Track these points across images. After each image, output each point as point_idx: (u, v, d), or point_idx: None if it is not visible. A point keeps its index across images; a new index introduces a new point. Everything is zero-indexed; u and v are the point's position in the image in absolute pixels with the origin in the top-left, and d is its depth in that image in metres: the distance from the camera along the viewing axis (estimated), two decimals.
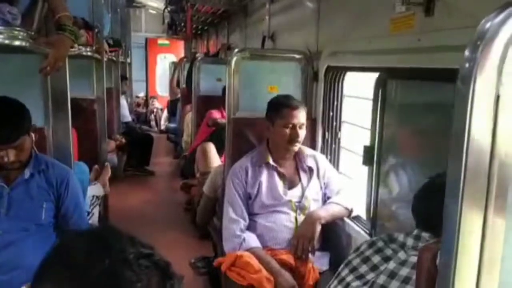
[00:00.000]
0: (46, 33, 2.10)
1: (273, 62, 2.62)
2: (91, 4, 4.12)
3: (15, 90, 1.98)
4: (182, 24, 6.36)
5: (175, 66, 8.11)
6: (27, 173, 1.89)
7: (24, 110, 1.84)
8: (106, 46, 4.51)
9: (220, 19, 5.83)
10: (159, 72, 11.92)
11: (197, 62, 4.56)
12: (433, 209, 0.83)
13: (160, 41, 11.66)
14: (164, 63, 11.59)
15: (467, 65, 0.62)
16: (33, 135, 1.92)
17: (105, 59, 4.40)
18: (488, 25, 0.61)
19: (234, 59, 2.49)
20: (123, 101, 6.69)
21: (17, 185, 1.88)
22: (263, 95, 2.54)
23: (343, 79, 2.40)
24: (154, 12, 11.55)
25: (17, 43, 1.66)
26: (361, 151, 2.08)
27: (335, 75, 2.41)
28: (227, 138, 2.53)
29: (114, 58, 5.63)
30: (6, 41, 1.62)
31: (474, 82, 0.61)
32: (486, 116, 0.63)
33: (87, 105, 4.07)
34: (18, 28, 1.67)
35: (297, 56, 2.60)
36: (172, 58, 11.10)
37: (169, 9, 5.78)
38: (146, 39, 11.78)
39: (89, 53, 3.69)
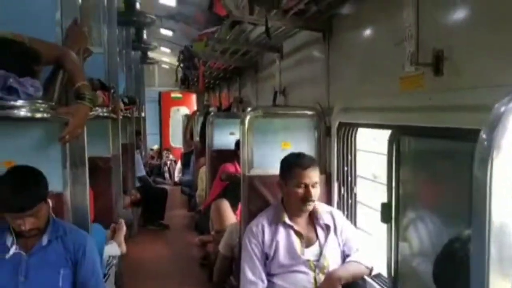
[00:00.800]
0: (66, 101, 2.17)
1: (286, 119, 2.66)
2: (107, 65, 4.27)
3: (34, 157, 2.03)
4: (195, 79, 6.53)
5: (188, 118, 8.26)
6: (44, 240, 1.90)
7: (41, 177, 1.88)
8: (121, 105, 4.63)
9: (231, 74, 5.98)
10: (172, 124, 12.11)
11: (210, 118, 4.64)
12: (454, 277, 0.82)
13: (173, 95, 11.94)
14: (177, 115, 11.80)
15: (483, 148, 0.63)
16: (50, 201, 1.94)
17: (120, 117, 4.50)
18: (502, 109, 0.63)
19: (248, 117, 2.54)
20: (138, 156, 6.77)
21: (35, 252, 1.89)
22: (277, 152, 2.57)
23: (355, 135, 2.42)
24: (167, 66, 11.91)
25: (38, 115, 1.72)
26: (379, 205, 2.07)
27: (348, 130, 2.44)
28: (242, 196, 2.53)
29: (129, 115, 5.77)
30: (29, 114, 1.68)
31: (491, 165, 0.62)
32: (505, 196, 0.63)
33: (103, 164, 4.11)
34: (39, 101, 1.73)
35: (309, 113, 2.64)
36: (185, 110, 11.32)
37: (181, 65, 5.96)
38: (160, 93, 12.08)
39: (105, 114, 3.78)
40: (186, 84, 6.87)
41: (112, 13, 4.20)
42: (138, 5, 5.18)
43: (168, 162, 10.87)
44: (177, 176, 9.78)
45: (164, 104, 12.17)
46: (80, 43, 2.19)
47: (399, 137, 1.90)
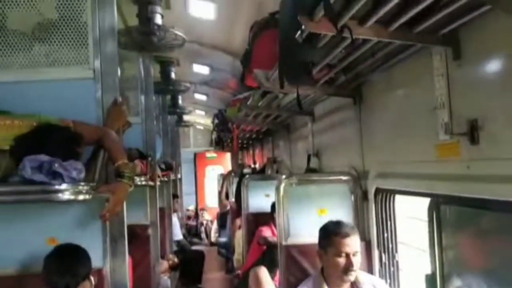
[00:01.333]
0: (106, 177, 2.24)
1: (321, 185, 2.65)
2: (145, 134, 4.42)
3: (76, 233, 2.09)
4: (229, 141, 6.66)
5: (223, 178, 8.33)
6: None
7: (86, 256, 1.92)
8: (158, 171, 4.74)
9: (264, 134, 6.07)
10: (208, 184, 12.24)
11: (245, 180, 4.67)
12: None
13: (208, 154, 12.15)
14: (212, 175, 11.93)
15: None
16: (92, 278, 1.97)
17: (158, 183, 4.59)
18: None
19: (282, 185, 2.54)
20: (175, 219, 6.82)
21: None
22: (314, 219, 2.55)
23: (393, 200, 2.37)
24: (201, 127, 12.21)
25: (81, 197, 1.78)
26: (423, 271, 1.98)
27: (385, 196, 2.39)
28: (280, 266, 2.50)
29: (166, 179, 5.88)
30: (72, 197, 1.75)
31: None
32: None
33: (141, 231, 4.15)
34: (82, 183, 1.80)
35: (344, 178, 2.62)
36: (220, 169, 11.45)
37: (216, 129, 6.12)
38: (195, 154, 12.32)
39: (143, 182, 3.87)
40: (220, 145, 7.01)
41: (149, 83, 4.40)
42: (173, 75, 5.42)
43: (205, 222, 10.88)
44: (213, 236, 9.75)
45: (199, 164, 12.37)
46: (120, 121, 2.29)
47: (439, 206, 1.85)
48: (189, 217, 11.33)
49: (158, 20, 3.35)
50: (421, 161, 1.96)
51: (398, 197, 2.37)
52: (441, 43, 1.65)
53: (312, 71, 1.88)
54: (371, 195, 2.47)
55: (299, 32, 1.59)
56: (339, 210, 2.56)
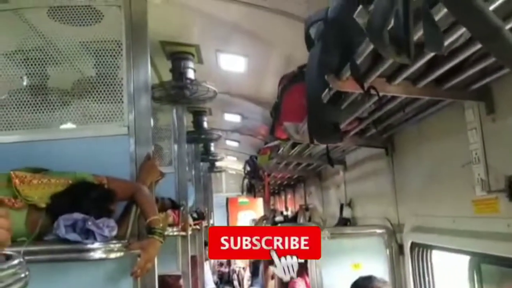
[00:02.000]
0: (138, 231, 2.26)
1: (354, 239, 2.58)
2: (177, 183, 4.47)
3: None
4: (260, 187, 6.63)
5: (255, 224, 8.23)
6: None
7: None
8: (190, 220, 4.74)
9: (296, 181, 6.02)
10: None
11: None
12: None
13: (240, 200, 12.12)
14: (244, 220, 11.85)
15: None
16: None
17: (189, 232, 4.58)
18: None
19: None
20: (207, 267, 6.74)
21: None
22: (347, 273, 2.46)
23: (431, 256, 2.27)
24: (233, 172, 12.26)
25: (112, 256, 1.80)
26: None
27: (422, 251, 2.30)
28: None
29: (198, 227, 5.86)
30: (103, 255, 1.76)
31: None
32: None
33: (173, 282, 4.13)
34: (114, 241, 1.82)
35: (378, 231, 2.55)
36: (252, 215, 11.36)
37: (247, 176, 6.14)
38: (227, 199, 12.32)
39: (175, 233, 3.88)
40: (252, 192, 7.01)
41: (182, 133, 4.48)
42: (205, 124, 5.53)
43: (237, 269, 10.70)
44: (246, 284, 9.54)
45: (231, 209, 12.34)
46: (152, 176, 2.32)
47: (479, 265, 1.75)
48: (221, 264, 11.18)
49: (191, 74, 3.46)
50: (458, 216, 1.89)
51: (436, 251, 2.27)
52: (473, 98, 1.63)
53: (340, 128, 1.88)
54: (407, 250, 2.38)
55: (326, 91, 1.60)
56: (374, 265, 2.47)
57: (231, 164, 10.91)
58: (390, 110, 2.02)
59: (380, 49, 0.97)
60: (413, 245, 2.32)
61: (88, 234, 1.76)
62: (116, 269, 2.28)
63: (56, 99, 2.28)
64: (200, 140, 5.49)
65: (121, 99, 2.28)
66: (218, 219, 11.46)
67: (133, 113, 2.27)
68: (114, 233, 1.87)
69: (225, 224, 12.22)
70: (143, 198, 2.11)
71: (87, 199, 1.87)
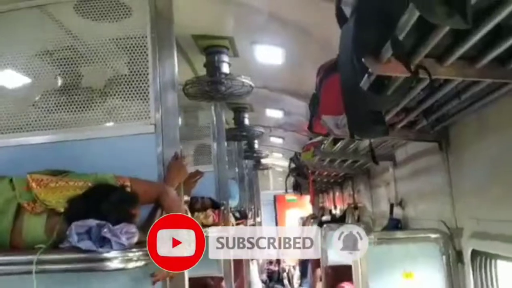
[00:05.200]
0: None
1: (405, 244, 2.30)
2: (217, 182, 4.34)
3: None
4: (306, 184, 6.40)
5: (303, 223, 8.01)
6: None
7: None
8: (232, 220, 4.59)
9: (343, 179, 5.74)
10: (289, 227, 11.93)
11: (323, 230, 4.34)
12: None
13: (288, 197, 11.90)
14: (293, 217, 11.65)
15: None
16: None
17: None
18: None
19: None
20: (253, 267, 6.59)
21: None
22: (399, 283, 2.19)
23: (495, 266, 1.95)
24: (280, 169, 12.06)
25: (131, 265, 1.65)
26: None
27: (485, 260, 1.99)
28: None
29: (243, 226, 5.71)
30: (121, 265, 1.61)
31: None
32: None
33: (215, 284, 4.00)
34: (134, 250, 1.66)
35: (433, 236, 2.25)
36: (300, 213, 11.12)
37: (294, 174, 5.92)
38: (274, 196, 12.14)
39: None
40: (298, 190, 6.78)
41: (220, 131, 4.36)
42: (247, 120, 5.37)
43: (287, 268, 10.51)
44: (296, 283, 9.34)
45: (279, 206, 12.16)
46: (180, 177, 2.17)
47: None
48: (270, 262, 11.04)
49: (226, 69, 3.29)
50: None
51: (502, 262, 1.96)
52: None
53: (385, 120, 1.62)
54: (467, 258, 2.07)
55: (365, 77, 1.35)
56: (428, 273, 2.19)
57: (277, 161, 10.72)
58: (442, 97, 1.73)
59: (426, 13, 0.73)
60: (474, 253, 2.01)
61: (104, 242, 1.62)
62: (142, 275, 2.15)
63: (83, 98, 2.20)
64: (241, 137, 5.34)
65: (147, 96, 2.16)
66: (266, 217, 11.32)
67: (159, 111, 2.14)
68: (135, 240, 1.72)
69: (273, 222, 12.07)
70: (168, 201, 1.97)
71: (106, 202, 1.74)
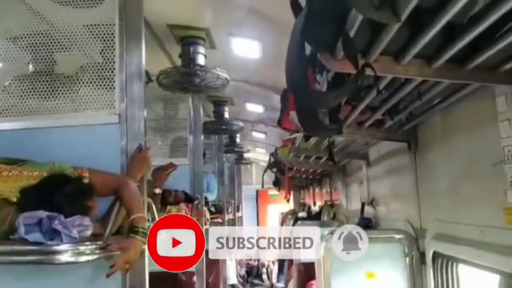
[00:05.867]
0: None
1: (371, 244, 2.28)
2: (192, 176, 4.28)
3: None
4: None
5: (282, 219, 8.00)
6: None
7: None
8: (207, 214, 4.54)
9: (322, 176, 5.72)
10: (270, 223, 11.94)
11: (297, 227, 4.34)
12: None
13: (270, 192, 11.88)
14: (274, 213, 11.65)
15: None
16: None
17: (206, 226, 4.38)
18: None
19: (323, 245, 2.21)
20: (230, 262, 6.57)
21: None
22: (360, 283, 2.18)
23: (457, 269, 1.94)
24: (264, 164, 12.01)
25: (83, 259, 1.59)
26: None
27: (446, 263, 1.98)
28: None
29: (220, 220, 5.66)
30: (72, 259, 1.56)
31: None
32: None
33: (187, 279, 3.96)
34: (87, 243, 1.61)
35: (397, 236, 2.24)
36: (282, 208, 11.12)
37: (273, 170, 5.87)
38: (257, 191, 12.11)
39: None
40: (277, 186, 6.75)
41: (197, 124, 4.29)
42: (227, 114, 5.30)
43: (266, 263, 10.51)
44: (274, 278, 9.34)
45: (261, 201, 12.14)
46: (143, 170, 2.12)
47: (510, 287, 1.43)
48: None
49: (201, 60, 3.22)
50: (486, 226, 1.57)
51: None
52: (505, 81, 1.30)
53: (339, 118, 1.59)
54: (429, 260, 2.06)
55: (324, 74, 1.32)
56: (390, 274, 2.17)
57: (260, 156, 10.68)
58: (407, 97, 1.71)
59: (351, 2, 0.69)
60: (436, 255, 2.00)
61: (56, 235, 1.57)
62: (103, 267, 2.09)
63: (49, 86, 2.13)
64: (220, 130, 5.27)
65: (113, 85, 2.09)
66: (247, 211, 11.30)
67: (125, 101, 2.07)
68: (88, 233, 1.68)
69: (254, 217, 12.05)
70: (127, 193, 1.91)
71: (59, 193, 1.68)
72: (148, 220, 2.08)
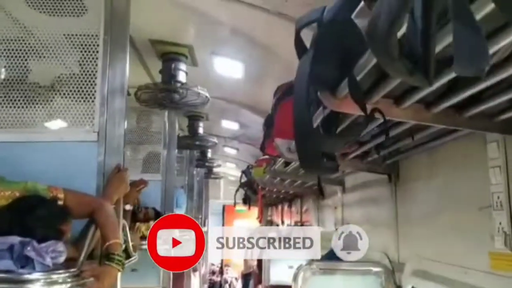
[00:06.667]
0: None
1: (348, 276, 2.27)
2: (164, 192, 4.20)
3: None
4: (256, 199, 6.34)
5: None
6: None
7: None
8: None
9: (293, 196, 5.72)
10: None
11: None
12: None
13: (237, 207, 11.79)
14: (240, 229, 11.53)
15: None
16: None
17: None
18: None
19: (301, 275, 2.18)
20: (195, 279, 6.44)
21: None
22: None
23: None
24: (233, 179, 11.95)
25: None
26: None
27: None
28: None
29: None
30: None
31: None
32: None
33: None
34: (60, 271, 1.52)
35: (374, 269, 2.23)
36: (249, 224, 11.04)
37: (244, 188, 5.83)
38: (223, 206, 12.01)
39: None
40: (247, 203, 6.72)
41: (172, 140, 4.22)
42: (201, 130, 5.25)
43: (229, 279, 10.41)
44: None
45: (227, 217, 12.03)
46: (120, 192, 2.04)
47: None
48: (213, 272, 10.90)
49: (182, 77, 3.17)
50: (470, 269, 1.58)
51: None
52: (499, 130, 1.32)
53: (335, 159, 1.57)
54: None
55: (319, 110, 1.30)
56: None
57: (230, 170, 10.62)
58: (396, 135, 1.72)
59: (385, 65, 0.68)
60: None
61: (28, 262, 1.47)
62: None
63: (26, 96, 2.02)
64: (194, 146, 5.20)
65: (93, 100, 2.01)
66: (213, 226, 11.16)
67: (104, 118, 1.99)
68: (62, 259, 1.58)
69: (220, 231, 11.90)
70: (103, 217, 1.82)
71: (32, 216, 1.58)
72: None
